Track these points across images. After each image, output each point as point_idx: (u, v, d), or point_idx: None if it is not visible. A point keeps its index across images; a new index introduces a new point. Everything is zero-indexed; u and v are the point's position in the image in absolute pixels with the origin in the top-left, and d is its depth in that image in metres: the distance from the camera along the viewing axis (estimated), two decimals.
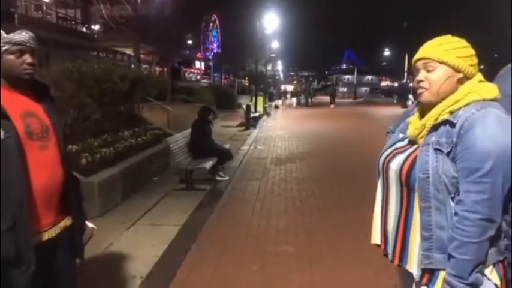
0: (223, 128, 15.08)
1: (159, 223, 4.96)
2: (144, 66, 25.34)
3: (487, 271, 1.43)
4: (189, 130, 7.31)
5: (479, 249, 1.37)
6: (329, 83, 62.81)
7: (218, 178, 7.13)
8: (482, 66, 1.76)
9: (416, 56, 1.57)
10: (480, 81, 1.52)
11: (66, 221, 1.94)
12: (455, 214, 1.41)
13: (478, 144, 1.36)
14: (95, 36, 24.96)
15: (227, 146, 8.07)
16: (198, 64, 45.92)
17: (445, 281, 1.41)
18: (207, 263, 3.86)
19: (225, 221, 5.14)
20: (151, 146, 7.47)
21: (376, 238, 1.74)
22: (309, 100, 33.94)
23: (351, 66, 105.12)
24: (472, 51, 1.53)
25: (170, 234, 4.51)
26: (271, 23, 26.04)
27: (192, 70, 45.74)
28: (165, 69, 27.10)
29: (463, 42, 1.54)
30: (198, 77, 45.05)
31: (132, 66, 21.37)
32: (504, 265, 1.47)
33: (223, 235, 4.61)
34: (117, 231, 4.62)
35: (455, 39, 1.55)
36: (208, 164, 6.71)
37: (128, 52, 26.38)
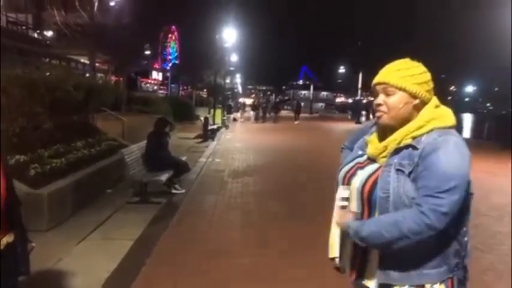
0: (181, 139, 14.90)
1: (112, 237, 4.80)
2: (99, 75, 24.68)
3: (436, 286, 1.50)
4: (145, 141, 7.17)
5: (397, 240, 1.42)
6: (286, 97, 63.67)
7: (174, 191, 7.01)
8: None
9: (376, 80, 1.62)
10: (436, 106, 1.59)
11: (8, 238, 1.84)
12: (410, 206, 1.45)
13: (440, 165, 1.43)
14: (48, 42, 24.11)
15: (184, 158, 7.96)
16: (155, 75, 45.33)
17: (349, 226, 1.53)
18: (162, 278, 3.76)
19: (181, 234, 5.05)
20: (105, 158, 7.25)
21: (334, 252, 1.75)
22: (267, 114, 32.33)
23: (307, 82, 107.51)
24: (428, 77, 1.60)
25: (123, 249, 4.37)
26: (230, 36, 26.26)
27: (149, 80, 45.06)
28: (121, 78, 26.54)
29: (420, 68, 1.60)
30: (155, 87, 44.44)
31: (87, 74, 20.78)
32: (453, 282, 1.54)
33: (179, 249, 4.52)
34: (67, 246, 4.43)
35: (414, 64, 1.60)
36: (164, 177, 6.59)
37: (82, 60, 25.63)
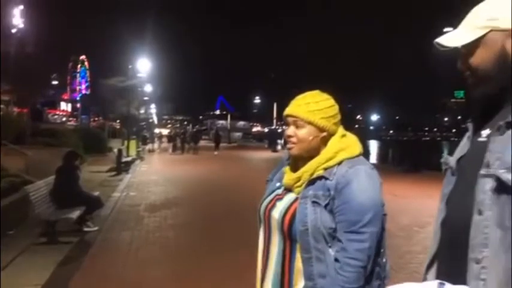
0: (92, 173, 14.12)
1: (16, 284, 4.34)
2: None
3: None
4: (53, 176, 6.70)
5: None
6: (204, 127, 63.56)
7: (86, 229, 6.58)
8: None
9: (286, 112, 1.68)
10: (343, 135, 1.68)
11: None
12: (336, 261, 1.51)
13: (356, 198, 1.51)
14: None
15: (96, 193, 7.55)
16: (63, 105, 43.08)
17: None
18: None
19: (93, 276, 4.71)
20: (6, 196, 6.63)
21: (258, 284, 1.75)
22: (186, 145, 30.29)
23: (224, 112, 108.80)
24: (336, 110, 1.69)
25: None
26: (144, 66, 25.83)
27: (57, 112, 42.69)
28: (25, 110, 24.79)
29: (329, 101, 1.68)
30: (64, 118, 42.14)
31: None
32: None
33: None
34: None
35: (323, 97, 1.68)
36: (75, 214, 6.16)
37: None
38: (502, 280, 0.94)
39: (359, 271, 1.47)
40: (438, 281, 0.93)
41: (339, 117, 1.69)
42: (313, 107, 1.63)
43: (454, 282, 0.96)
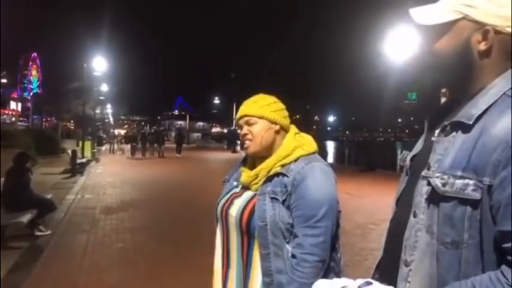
0: (44, 175, 13.57)
1: None
2: None
3: None
4: (2, 179, 6.39)
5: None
6: (162, 128, 62.41)
7: (38, 233, 6.32)
8: (298, 116, 2.02)
9: (238, 115, 1.78)
10: (296, 133, 1.77)
11: None
12: (293, 257, 1.54)
13: (311, 194, 1.56)
14: None
15: (49, 196, 7.27)
16: (13, 105, 41.16)
17: None
18: None
19: (45, 282, 4.53)
20: None
21: (218, 285, 1.76)
22: (147, 148, 27.14)
23: (183, 113, 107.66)
24: (282, 106, 1.79)
25: None
26: (100, 65, 25.05)
27: (6, 111, 40.75)
28: None
29: (273, 98, 1.80)
30: (14, 118, 40.27)
31: None
32: None
33: None
34: None
35: (267, 96, 1.80)
36: (26, 218, 5.91)
37: None
38: (423, 285, 0.94)
39: (316, 265, 1.51)
40: (366, 279, 0.94)
41: (286, 113, 1.79)
42: (261, 103, 1.74)
43: (392, 283, 0.97)
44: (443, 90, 1.15)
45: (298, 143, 1.70)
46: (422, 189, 0.99)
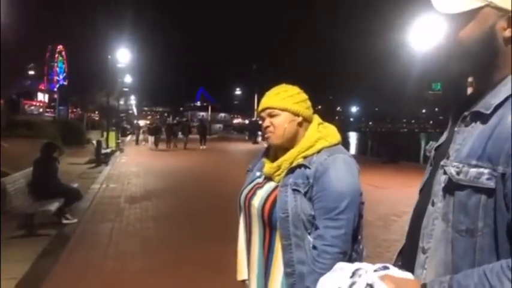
0: (71, 165, 13.91)
1: None
2: None
3: None
4: (31, 169, 6.58)
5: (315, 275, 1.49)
6: (184, 119, 62.82)
7: (65, 221, 6.50)
8: (320, 107, 2.01)
9: (260, 107, 1.76)
10: (319, 123, 1.75)
11: None
12: (314, 248, 1.54)
13: (333, 185, 1.55)
14: None
15: (75, 185, 7.46)
16: (41, 96, 42.09)
17: None
18: None
19: (73, 268, 4.67)
20: None
21: (242, 274, 1.79)
22: (172, 140, 25.66)
23: (204, 104, 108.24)
24: (305, 96, 1.76)
25: None
26: (124, 56, 25.37)
27: (34, 102, 41.71)
28: (1, 101, 24.19)
29: (296, 89, 1.76)
30: (41, 110, 41.21)
31: None
32: None
33: (71, 285, 4.18)
34: None
35: (289, 87, 1.77)
36: (54, 206, 6.08)
37: None
38: (439, 272, 0.94)
39: (337, 257, 1.49)
40: (383, 264, 0.94)
41: (309, 103, 1.76)
42: (283, 95, 1.71)
43: (412, 269, 0.98)
44: (470, 79, 1.14)
45: (321, 134, 1.68)
46: (440, 178, 0.99)
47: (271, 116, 1.71)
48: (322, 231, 1.53)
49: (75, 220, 6.67)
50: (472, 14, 0.99)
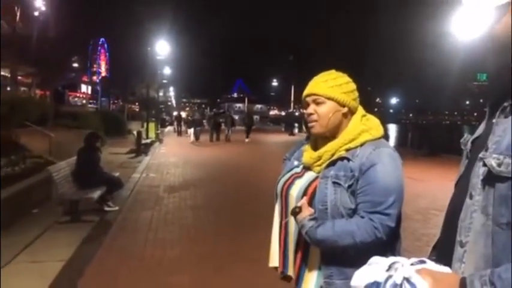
0: (112, 155, 14.38)
1: (41, 259, 4.52)
2: (22, 88, 23.24)
3: None
4: (75, 157, 6.85)
5: (347, 247, 1.49)
6: (221, 110, 63.35)
7: (107, 208, 6.75)
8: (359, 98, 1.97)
9: (306, 92, 1.69)
10: (363, 115, 1.69)
11: None
12: (362, 217, 1.51)
13: (380, 180, 1.51)
14: None
15: (117, 174, 7.69)
16: (84, 88, 43.50)
17: (304, 225, 1.54)
18: None
19: (115, 253, 4.86)
20: (30, 176, 6.83)
21: (274, 261, 1.79)
22: (214, 134, 24.24)
23: (241, 95, 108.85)
24: (353, 86, 1.70)
25: (53, 271, 4.13)
26: (163, 48, 25.79)
27: (78, 94, 43.19)
28: (47, 92, 25.20)
29: (345, 78, 1.69)
30: (84, 101, 42.62)
31: (8, 88, 19.51)
32: None
33: (113, 269, 4.35)
34: None
35: (339, 74, 1.69)
36: (96, 194, 6.33)
37: (3, 73, 24.04)
38: (478, 266, 0.93)
39: (373, 241, 1.47)
40: (420, 258, 0.93)
41: (356, 94, 1.69)
42: (331, 83, 1.65)
43: (448, 263, 0.97)
44: None
45: (365, 127, 1.63)
46: (479, 171, 0.97)
47: (316, 103, 1.65)
48: (371, 216, 1.50)
49: (117, 208, 6.90)
50: (506, 7, 0.97)
